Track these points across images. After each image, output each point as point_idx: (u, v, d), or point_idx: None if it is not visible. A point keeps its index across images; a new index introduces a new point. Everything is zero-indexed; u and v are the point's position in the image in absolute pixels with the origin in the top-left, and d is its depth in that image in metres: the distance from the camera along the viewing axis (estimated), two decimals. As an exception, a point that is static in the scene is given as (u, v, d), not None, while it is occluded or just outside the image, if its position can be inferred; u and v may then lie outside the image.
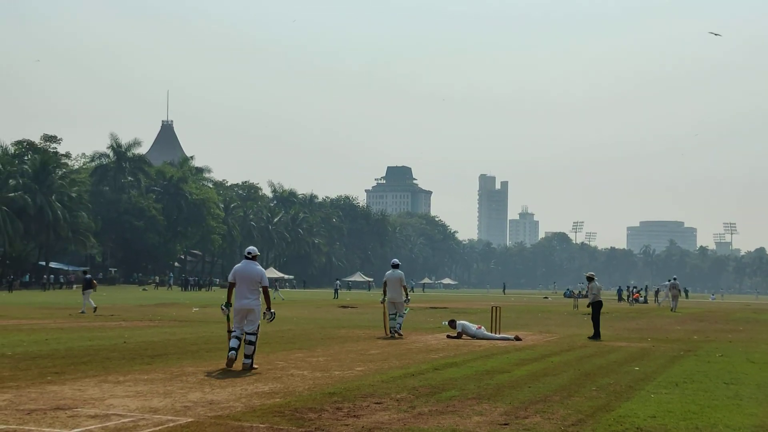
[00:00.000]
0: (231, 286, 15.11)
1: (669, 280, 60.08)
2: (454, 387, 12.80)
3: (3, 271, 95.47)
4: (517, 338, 23.25)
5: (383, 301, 24.58)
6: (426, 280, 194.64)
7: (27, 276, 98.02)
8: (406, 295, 24.38)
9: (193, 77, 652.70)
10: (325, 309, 46.54)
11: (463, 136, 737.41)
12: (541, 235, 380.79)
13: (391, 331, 23.78)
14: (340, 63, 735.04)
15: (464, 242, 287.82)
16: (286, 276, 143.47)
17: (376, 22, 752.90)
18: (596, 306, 26.01)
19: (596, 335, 24.97)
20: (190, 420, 9.43)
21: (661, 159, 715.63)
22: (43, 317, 31.40)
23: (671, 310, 50.82)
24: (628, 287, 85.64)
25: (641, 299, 76.74)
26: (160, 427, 8.95)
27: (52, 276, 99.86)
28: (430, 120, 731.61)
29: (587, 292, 26.88)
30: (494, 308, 26.26)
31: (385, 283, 24.40)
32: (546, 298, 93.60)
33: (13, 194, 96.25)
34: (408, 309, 24.97)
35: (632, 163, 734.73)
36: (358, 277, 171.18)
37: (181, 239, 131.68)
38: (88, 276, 38.46)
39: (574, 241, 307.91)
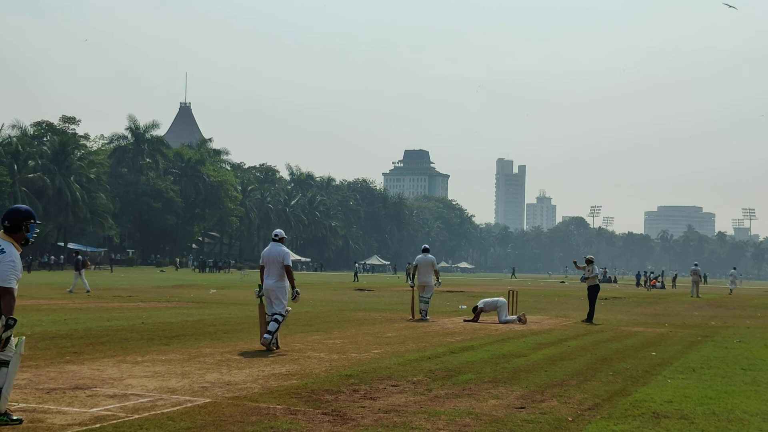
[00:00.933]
0: (261, 269, 15.27)
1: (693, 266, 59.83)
2: (471, 370, 12.81)
3: (26, 251, 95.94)
4: (521, 319, 23.30)
5: (413, 285, 25.14)
6: (443, 264, 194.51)
7: (45, 257, 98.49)
8: (437, 278, 24.81)
9: (212, 60, 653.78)
10: (342, 292, 46.57)
11: (481, 120, 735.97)
12: (559, 219, 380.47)
13: (421, 313, 24.15)
14: (360, 47, 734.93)
15: (481, 226, 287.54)
16: (302, 258, 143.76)
17: (397, 7, 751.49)
18: (593, 289, 25.98)
19: (590, 318, 25.17)
20: (207, 401, 9.48)
21: (680, 145, 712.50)
22: (61, 297, 31.62)
23: (691, 296, 50.65)
24: (645, 273, 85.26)
25: (658, 285, 76.56)
26: (178, 408, 8.99)
27: (66, 256, 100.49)
28: (448, 104, 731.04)
29: (586, 275, 26.77)
30: (511, 292, 26.22)
31: (416, 266, 24.85)
32: (563, 282, 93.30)
33: (32, 175, 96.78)
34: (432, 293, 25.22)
35: (651, 149, 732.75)
36: (375, 260, 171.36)
37: (199, 221, 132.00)
38: (80, 257, 38.53)
39: (591, 226, 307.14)
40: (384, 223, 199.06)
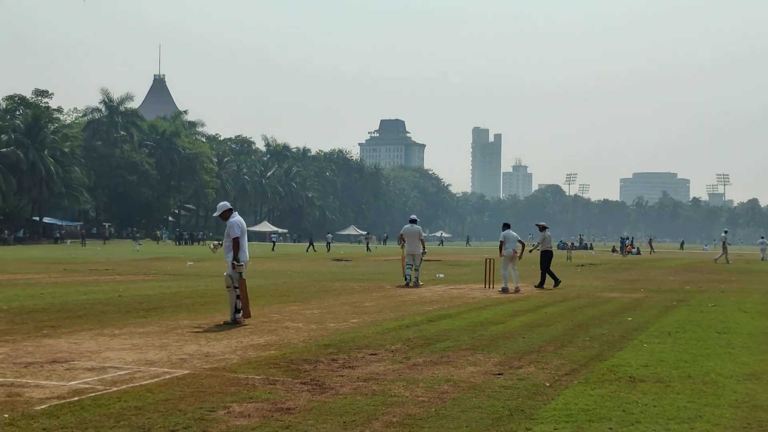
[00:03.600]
0: (235, 242, 14.84)
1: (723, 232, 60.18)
2: (449, 338, 12.84)
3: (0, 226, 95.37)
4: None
5: (403, 247, 26.16)
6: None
7: (21, 231, 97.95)
8: (423, 247, 25.88)
9: (187, 28, 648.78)
10: (319, 262, 46.62)
11: (456, 88, 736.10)
12: (535, 187, 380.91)
13: (407, 278, 25.37)
14: (339, 17, 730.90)
15: (458, 195, 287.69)
16: (280, 230, 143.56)
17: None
18: (546, 255, 26.69)
19: (541, 284, 26.04)
20: (186, 372, 9.46)
21: (655, 110, 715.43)
22: (38, 272, 31.45)
23: (727, 262, 50.97)
24: (623, 239, 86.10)
25: (634, 251, 77.18)
26: (157, 380, 8.97)
27: (43, 230, 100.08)
28: (423, 73, 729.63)
29: (538, 242, 27.51)
30: (488, 260, 26.27)
31: (402, 236, 26.08)
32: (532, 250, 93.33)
33: (5, 150, 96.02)
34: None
35: (626, 117, 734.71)
36: (352, 230, 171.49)
37: (175, 193, 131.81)
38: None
39: (567, 194, 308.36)
40: (361, 194, 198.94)
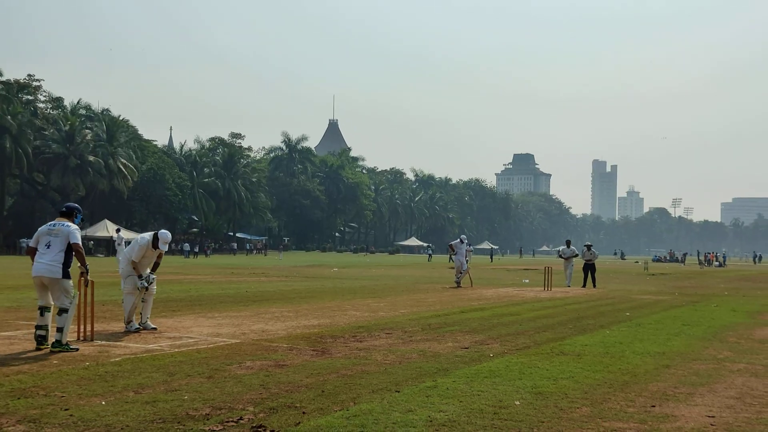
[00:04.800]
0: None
1: None
2: (461, 324, 13.41)
3: (201, 240, 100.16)
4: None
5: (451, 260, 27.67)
6: (544, 248, 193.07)
7: (217, 244, 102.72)
8: (468, 258, 27.86)
9: (355, 82, 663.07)
10: (437, 270, 47.40)
11: (578, 126, 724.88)
12: (645, 210, 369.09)
13: (458, 283, 26.51)
14: (474, 70, 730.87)
15: (578, 216, 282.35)
16: (424, 243, 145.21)
17: (510, 33, 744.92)
18: (589, 266, 27.91)
19: (594, 285, 27.44)
20: (236, 341, 10.70)
21: (754, 143, 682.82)
22: (206, 274, 32.99)
23: None
24: (706, 253, 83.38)
25: (716, 263, 74.57)
26: (211, 345, 10.26)
27: (235, 244, 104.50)
28: (550, 114, 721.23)
29: (584, 255, 28.58)
30: (546, 268, 26.76)
31: (452, 247, 27.82)
32: (636, 262, 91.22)
33: (207, 180, 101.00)
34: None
35: (728, 147, 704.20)
36: (485, 245, 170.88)
37: (340, 214, 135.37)
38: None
39: (672, 215, 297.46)
40: (494, 215, 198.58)
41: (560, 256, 29.56)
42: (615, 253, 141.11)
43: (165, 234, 11.61)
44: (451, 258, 29.85)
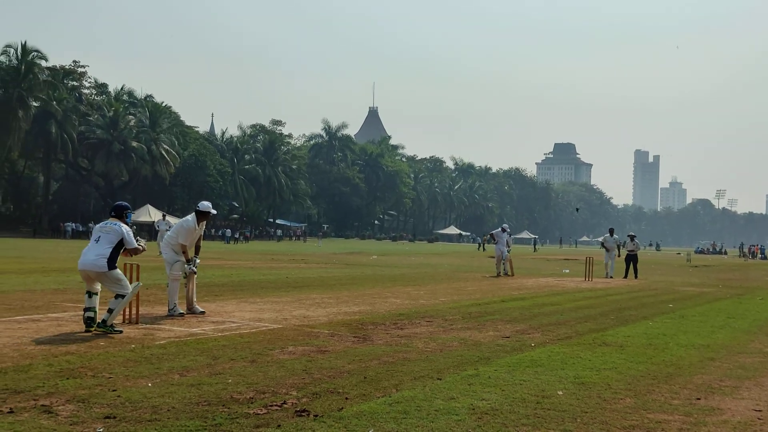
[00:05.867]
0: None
1: None
2: (501, 313, 13.34)
3: (242, 226, 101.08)
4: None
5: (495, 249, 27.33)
6: (584, 238, 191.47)
7: (257, 230, 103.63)
8: (509, 248, 26.96)
9: (394, 75, 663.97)
10: (476, 258, 47.36)
11: (622, 115, 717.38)
12: (689, 201, 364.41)
13: (498, 272, 26.05)
14: (514, 62, 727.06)
15: (619, 207, 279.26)
16: (463, 232, 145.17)
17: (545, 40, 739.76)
18: (632, 257, 27.62)
19: (635, 276, 27.21)
20: (278, 326, 10.78)
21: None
22: (247, 260, 33.33)
23: None
24: (750, 246, 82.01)
25: (759, 256, 73.39)
26: (254, 330, 10.36)
27: (279, 231, 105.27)
28: (592, 104, 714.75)
29: (626, 245, 28.77)
30: (588, 258, 26.58)
31: (492, 236, 27.52)
32: (679, 254, 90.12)
33: (248, 166, 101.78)
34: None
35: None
36: (525, 234, 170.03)
37: (380, 202, 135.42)
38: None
39: (716, 207, 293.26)
40: (533, 205, 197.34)
41: (603, 246, 28.75)
42: (650, 245, 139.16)
43: (202, 203, 12.03)
44: (480, 246, 29.47)
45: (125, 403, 5.98)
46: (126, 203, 10.52)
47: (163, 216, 40.97)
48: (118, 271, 9.85)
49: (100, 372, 7.17)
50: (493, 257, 27.90)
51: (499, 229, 27.05)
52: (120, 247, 9.82)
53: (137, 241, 10.16)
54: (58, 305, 12.58)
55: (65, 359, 7.78)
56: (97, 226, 10.23)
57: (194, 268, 11.81)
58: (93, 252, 9.71)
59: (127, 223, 10.10)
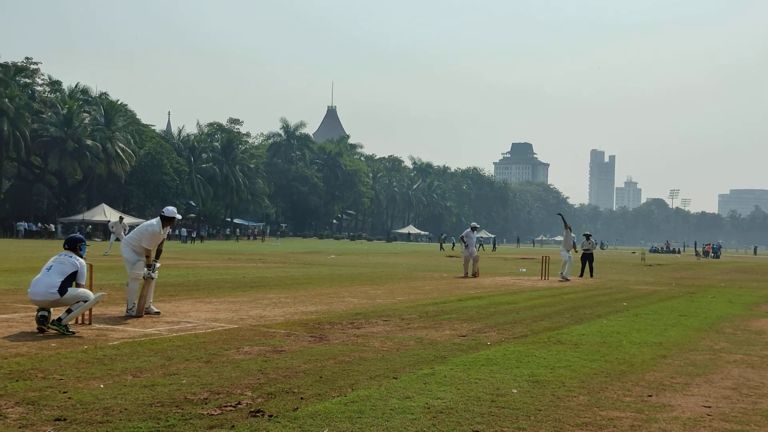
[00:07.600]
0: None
1: None
2: (458, 312, 13.41)
3: (198, 225, 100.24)
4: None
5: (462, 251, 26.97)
6: (542, 237, 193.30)
7: (213, 230, 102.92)
8: (477, 249, 27.25)
9: (354, 70, 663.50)
10: (434, 258, 47.46)
11: (577, 116, 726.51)
12: (643, 200, 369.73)
13: (466, 273, 25.64)
14: (473, 63, 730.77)
15: (575, 206, 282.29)
16: (422, 232, 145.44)
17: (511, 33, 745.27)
18: (588, 256, 28.16)
19: (591, 274, 27.60)
20: (234, 326, 10.69)
21: (753, 134, 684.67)
22: (204, 260, 33.09)
23: None
24: (703, 245, 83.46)
25: (711, 255, 74.65)
26: (209, 330, 10.26)
27: (237, 230, 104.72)
28: (549, 105, 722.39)
29: (582, 245, 28.70)
30: (544, 257, 26.79)
31: (462, 238, 26.62)
32: (634, 253, 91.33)
33: (205, 165, 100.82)
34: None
35: (726, 138, 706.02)
36: (483, 233, 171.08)
37: (338, 201, 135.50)
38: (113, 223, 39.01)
39: (670, 206, 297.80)
40: (491, 204, 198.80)
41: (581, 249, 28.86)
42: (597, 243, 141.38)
43: (168, 208, 12.07)
44: (442, 246, 29.08)
45: (76, 405, 5.89)
46: (80, 236, 10.55)
47: (120, 219, 40.18)
48: (72, 289, 9.74)
49: (50, 374, 7.05)
50: (453, 257, 27.87)
51: (469, 228, 26.78)
52: (72, 278, 9.79)
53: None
54: (8, 306, 12.36)
55: (15, 361, 7.64)
56: (53, 257, 10.11)
57: (154, 274, 11.67)
58: (43, 283, 9.65)
59: (81, 256, 10.06)
